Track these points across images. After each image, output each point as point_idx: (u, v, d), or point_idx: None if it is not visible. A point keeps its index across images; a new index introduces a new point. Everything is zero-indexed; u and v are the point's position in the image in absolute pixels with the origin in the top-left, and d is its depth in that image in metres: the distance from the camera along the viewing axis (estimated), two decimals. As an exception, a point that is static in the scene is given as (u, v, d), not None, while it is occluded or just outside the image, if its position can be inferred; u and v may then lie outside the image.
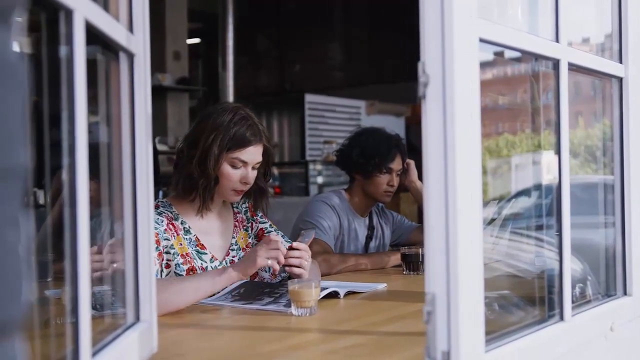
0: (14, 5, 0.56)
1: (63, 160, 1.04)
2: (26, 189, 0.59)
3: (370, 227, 3.16)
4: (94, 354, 1.11)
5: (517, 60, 1.76)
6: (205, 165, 2.18)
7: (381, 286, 2.36)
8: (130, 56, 1.37)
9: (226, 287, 2.11)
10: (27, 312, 0.58)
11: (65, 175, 1.03)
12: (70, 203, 1.03)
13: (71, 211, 1.03)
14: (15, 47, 0.57)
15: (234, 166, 2.22)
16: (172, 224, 2.21)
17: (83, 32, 1.04)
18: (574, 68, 1.60)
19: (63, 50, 1.04)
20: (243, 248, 2.37)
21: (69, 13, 1.02)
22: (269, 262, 2.03)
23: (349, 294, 2.18)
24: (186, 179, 2.23)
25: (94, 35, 1.13)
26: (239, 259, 2.30)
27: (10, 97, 0.54)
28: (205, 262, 2.23)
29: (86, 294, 1.04)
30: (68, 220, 1.02)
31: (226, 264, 2.28)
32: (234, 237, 2.37)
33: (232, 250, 2.34)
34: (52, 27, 1.04)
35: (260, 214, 2.48)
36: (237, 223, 2.40)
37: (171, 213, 2.24)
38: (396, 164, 3.03)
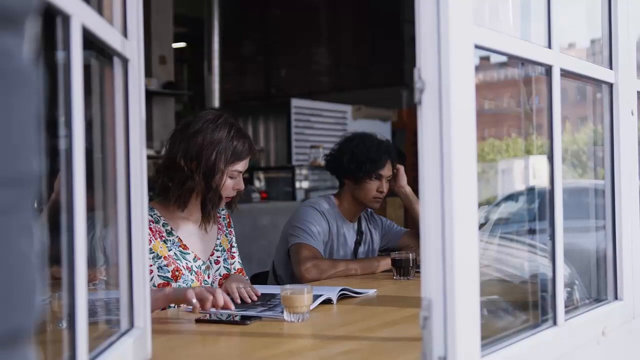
0: (27, 13, 0.56)
1: (54, 165, 1.03)
2: (37, 196, 0.58)
3: (359, 233, 3.16)
4: (90, 361, 1.10)
5: (503, 65, 1.77)
6: (211, 181, 2.25)
7: (372, 292, 2.36)
8: (125, 61, 1.36)
9: None
10: (40, 320, 0.58)
11: (62, 181, 1.02)
12: (67, 208, 1.02)
13: (68, 217, 1.02)
14: (28, 54, 0.57)
15: (231, 177, 2.31)
16: (150, 229, 2.24)
17: (80, 37, 1.04)
18: (565, 74, 1.61)
19: (60, 55, 1.03)
20: (227, 249, 2.47)
21: (66, 18, 1.01)
22: (194, 300, 1.90)
23: (342, 298, 2.19)
24: (188, 193, 2.28)
25: (88, 40, 1.12)
26: (223, 259, 2.42)
27: (23, 104, 0.54)
28: (189, 262, 2.30)
29: (83, 301, 1.03)
30: (65, 226, 1.01)
31: (210, 263, 2.38)
32: (218, 239, 2.45)
33: (217, 250, 2.43)
34: (48, 31, 1.03)
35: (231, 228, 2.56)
36: (220, 226, 2.48)
37: (152, 216, 2.27)
38: (386, 171, 3.04)
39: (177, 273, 2.24)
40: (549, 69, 1.55)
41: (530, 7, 1.86)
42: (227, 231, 2.51)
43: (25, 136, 0.55)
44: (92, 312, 1.38)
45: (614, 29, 1.84)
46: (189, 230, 2.35)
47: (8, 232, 0.53)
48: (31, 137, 0.56)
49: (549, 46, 1.55)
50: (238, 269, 2.44)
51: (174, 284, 2.21)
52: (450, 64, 1.18)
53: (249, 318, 1.88)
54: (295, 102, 8.17)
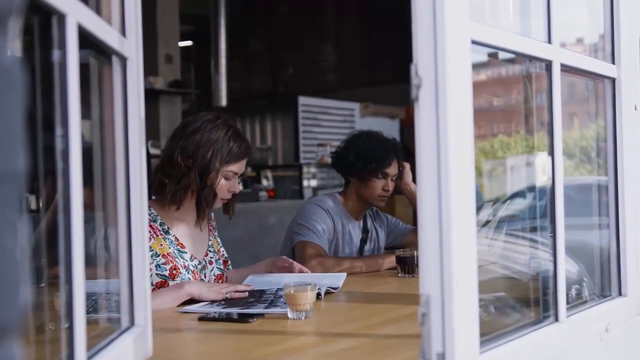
0: (11, 10, 0.56)
1: (56, 165, 1.04)
2: (23, 193, 0.59)
3: (365, 231, 3.16)
4: (89, 358, 1.10)
5: (511, 61, 1.76)
6: (206, 179, 2.29)
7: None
8: (123, 60, 1.37)
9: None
10: (25, 316, 0.58)
11: (59, 180, 1.03)
12: (64, 208, 1.02)
13: (65, 216, 1.02)
14: (12, 52, 0.57)
15: (226, 178, 2.34)
16: (151, 226, 2.29)
17: (76, 36, 1.04)
18: (566, 69, 1.60)
19: (55, 54, 1.04)
20: (217, 251, 2.50)
21: (61, 17, 1.02)
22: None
23: (328, 293, 2.23)
24: (183, 190, 2.30)
25: (86, 39, 1.12)
26: (215, 260, 2.46)
27: (7, 101, 0.54)
28: (187, 261, 2.34)
29: (81, 299, 1.04)
30: (62, 225, 1.02)
31: (205, 263, 2.42)
32: (210, 240, 2.49)
33: (210, 251, 2.47)
34: (44, 30, 1.03)
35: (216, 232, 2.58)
36: (211, 228, 2.53)
37: (150, 215, 2.29)
38: (392, 169, 3.03)
39: (174, 271, 2.27)
40: (549, 64, 1.54)
41: (530, 4, 1.85)
42: (215, 234, 2.55)
43: (11, 133, 0.55)
44: (93, 310, 1.39)
45: (616, 23, 1.83)
46: (184, 231, 2.39)
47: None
48: (16, 134, 0.56)
49: (549, 41, 1.54)
50: (218, 274, 2.46)
51: (171, 283, 2.23)
52: (447, 59, 1.18)
53: (252, 315, 1.88)
54: (303, 100, 8.16)
